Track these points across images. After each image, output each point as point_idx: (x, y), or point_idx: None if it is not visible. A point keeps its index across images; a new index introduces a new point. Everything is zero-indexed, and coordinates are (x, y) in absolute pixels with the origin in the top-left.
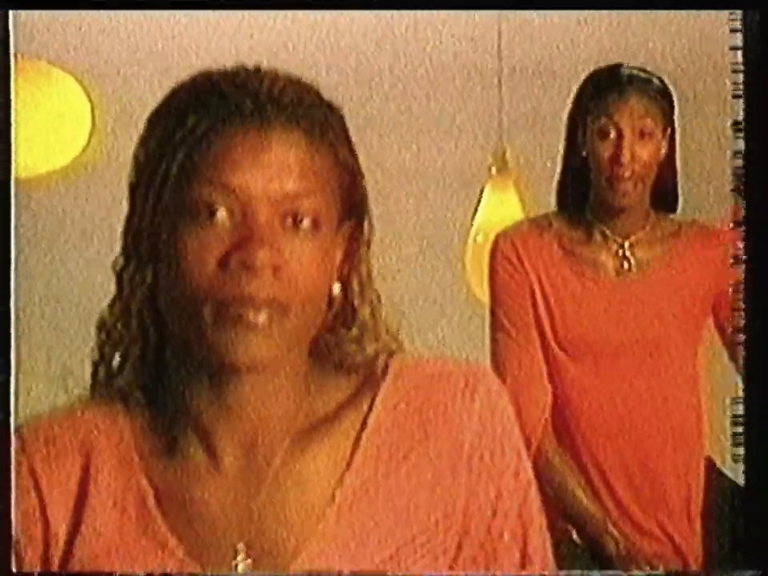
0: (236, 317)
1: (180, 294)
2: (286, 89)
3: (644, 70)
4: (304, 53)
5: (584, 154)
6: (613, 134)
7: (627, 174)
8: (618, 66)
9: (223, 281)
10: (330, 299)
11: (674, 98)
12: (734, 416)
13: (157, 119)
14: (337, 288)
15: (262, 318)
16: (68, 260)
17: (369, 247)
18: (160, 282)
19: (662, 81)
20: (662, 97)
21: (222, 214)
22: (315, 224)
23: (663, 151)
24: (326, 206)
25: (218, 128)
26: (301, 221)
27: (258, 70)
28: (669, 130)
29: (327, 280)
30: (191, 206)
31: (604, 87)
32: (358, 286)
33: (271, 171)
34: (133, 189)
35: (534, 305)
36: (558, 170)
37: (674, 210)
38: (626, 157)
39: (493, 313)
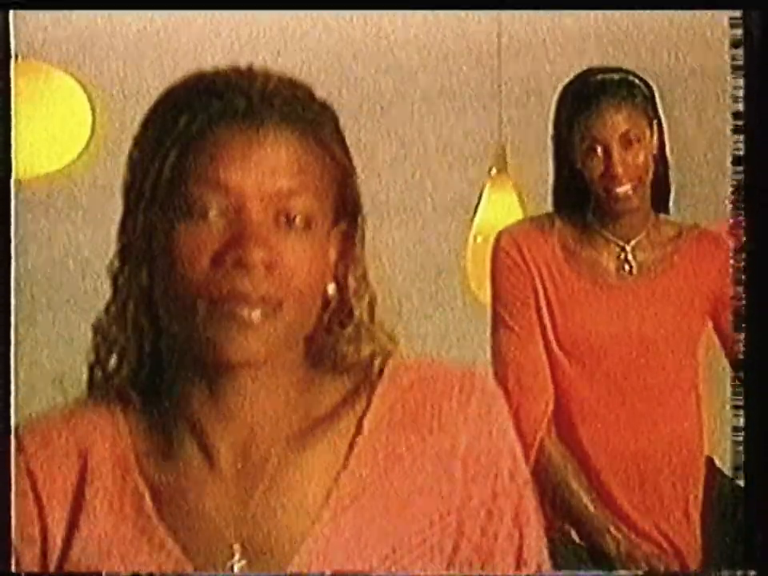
0: (230, 314)
1: (175, 292)
2: (278, 88)
3: (613, 70)
4: (301, 52)
5: (578, 166)
6: (600, 151)
7: (623, 187)
8: (588, 73)
9: (217, 279)
10: (326, 299)
11: (654, 88)
12: (734, 416)
13: (150, 119)
14: (332, 288)
15: (255, 315)
16: (66, 261)
17: (363, 247)
18: (155, 281)
19: (636, 75)
20: (642, 94)
21: (215, 212)
22: (308, 222)
23: (654, 144)
24: (318, 205)
25: (210, 127)
26: (294, 219)
27: (250, 69)
28: (655, 122)
29: (321, 278)
30: (185, 204)
31: (579, 102)
32: (354, 285)
33: (264, 169)
34: (127, 189)
35: (536, 303)
36: (551, 181)
37: (666, 206)
38: (618, 171)
39: (494, 309)
